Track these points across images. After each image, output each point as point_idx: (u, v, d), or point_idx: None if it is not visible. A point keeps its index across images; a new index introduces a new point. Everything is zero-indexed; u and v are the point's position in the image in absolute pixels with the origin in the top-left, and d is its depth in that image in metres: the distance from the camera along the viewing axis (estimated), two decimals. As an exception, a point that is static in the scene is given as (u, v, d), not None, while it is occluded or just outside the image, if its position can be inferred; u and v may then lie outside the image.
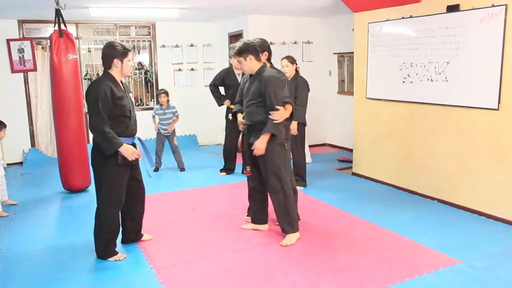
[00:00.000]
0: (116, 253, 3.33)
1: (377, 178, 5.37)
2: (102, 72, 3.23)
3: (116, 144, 3.07)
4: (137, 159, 3.23)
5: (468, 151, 4.22)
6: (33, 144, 6.89)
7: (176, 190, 5.13)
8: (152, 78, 7.69)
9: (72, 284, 2.98)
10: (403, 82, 4.86)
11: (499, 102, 3.88)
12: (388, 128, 5.12)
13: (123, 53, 3.14)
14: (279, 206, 3.52)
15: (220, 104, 5.71)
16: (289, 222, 3.54)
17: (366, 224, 3.95)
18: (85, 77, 7.24)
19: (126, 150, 3.12)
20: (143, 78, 7.74)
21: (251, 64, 3.48)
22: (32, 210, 4.56)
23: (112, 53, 3.12)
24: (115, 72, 3.18)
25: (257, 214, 3.80)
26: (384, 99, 5.15)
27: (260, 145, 3.40)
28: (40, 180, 5.77)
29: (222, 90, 5.84)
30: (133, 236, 3.56)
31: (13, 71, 6.58)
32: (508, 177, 3.89)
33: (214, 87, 5.70)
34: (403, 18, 4.78)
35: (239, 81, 5.48)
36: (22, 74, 6.68)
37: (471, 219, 4.08)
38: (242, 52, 3.45)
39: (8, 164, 6.62)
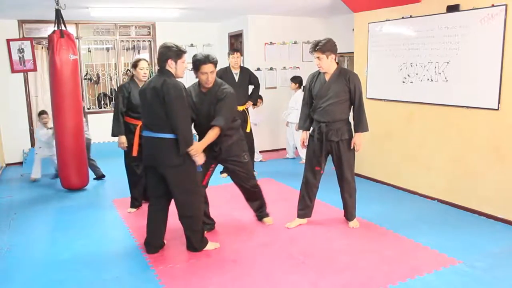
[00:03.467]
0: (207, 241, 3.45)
1: (377, 178, 5.37)
2: (160, 70, 3.18)
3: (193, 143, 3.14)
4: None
5: (468, 151, 4.22)
6: (33, 144, 6.87)
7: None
8: (152, 78, 7.67)
9: (72, 284, 2.98)
10: (403, 82, 4.86)
11: (499, 102, 3.88)
12: (388, 128, 5.12)
13: (178, 54, 3.15)
14: (352, 197, 3.83)
15: None
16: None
17: (366, 224, 3.95)
18: (85, 77, 7.24)
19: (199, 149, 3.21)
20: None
21: (331, 63, 3.59)
22: (32, 210, 4.56)
23: (167, 53, 3.13)
24: (171, 72, 3.18)
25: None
26: (384, 99, 5.15)
27: (362, 142, 3.69)
28: (40, 180, 5.77)
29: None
30: (163, 242, 3.53)
31: (13, 71, 6.58)
32: (508, 177, 3.89)
33: None
34: (403, 18, 4.78)
35: (237, 80, 5.47)
36: (22, 74, 6.68)
37: (471, 219, 4.08)
38: (327, 50, 3.54)
39: (8, 164, 6.65)
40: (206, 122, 3.43)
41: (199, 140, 3.48)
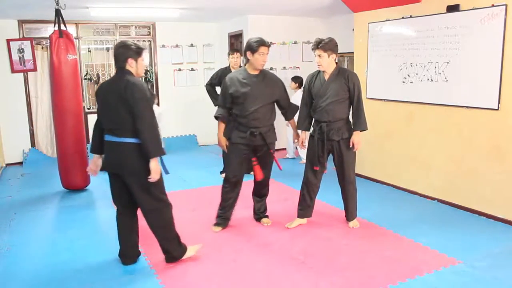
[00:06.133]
0: (186, 246, 3.25)
1: (377, 178, 5.37)
2: (119, 70, 3.00)
3: (163, 151, 2.95)
4: None
5: (468, 151, 4.22)
6: (33, 144, 6.89)
7: (176, 190, 5.13)
8: (152, 78, 7.69)
9: (72, 284, 2.98)
10: (403, 82, 4.86)
11: (499, 102, 3.88)
12: (388, 128, 5.12)
13: (138, 52, 3.01)
14: (353, 197, 3.86)
15: (216, 104, 5.69)
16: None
17: (366, 224, 3.95)
18: (85, 77, 7.24)
19: (157, 165, 2.92)
20: (143, 78, 7.73)
21: (331, 62, 3.61)
22: (32, 210, 4.56)
23: (127, 53, 2.97)
24: (131, 71, 3.01)
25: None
26: (384, 99, 5.15)
27: (360, 140, 3.70)
28: (40, 180, 5.77)
29: (218, 89, 5.81)
30: (138, 250, 3.35)
31: (13, 71, 6.57)
32: (508, 177, 3.89)
33: (210, 86, 5.64)
34: (403, 18, 4.78)
35: None
36: (22, 74, 6.68)
37: (471, 219, 4.08)
38: (329, 48, 3.56)
39: (8, 164, 6.65)
40: (255, 103, 3.61)
41: (241, 123, 3.66)
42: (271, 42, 7.19)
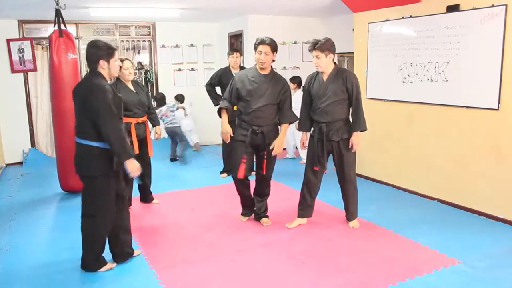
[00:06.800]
0: (106, 262, 3.15)
1: (377, 178, 5.37)
2: (89, 72, 2.95)
3: (131, 151, 2.87)
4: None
5: (468, 151, 4.22)
6: (33, 144, 6.88)
7: (176, 190, 5.13)
8: (152, 78, 7.69)
9: (72, 284, 2.98)
10: (403, 82, 4.86)
11: (499, 102, 3.88)
12: (388, 128, 5.12)
13: (110, 53, 2.90)
14: (353, 197, 3.86)
15: (216, 104, 5.69)
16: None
17: (366, 224, 3.95)
18: (85, 77, 7.24)
19: (134, 164, 2.89)
20: (143, 78, 7.74)
21: (329, 63, 3.61)
22: (32, 210, 4.56)
23: (97, 53, 2.87)
24: (103, 73, 2.93)
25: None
26: (384, 99, 5.15)
27: (360, 141, 3.68)
28: (40, 180, 5.77)
29: (218, 90, 5.81)
30: (130, 249, 3.29)
31: (13, 71, 6.57)
32: (508, 177, 3.89)
33: (210, 86, 5.63)
34: (403, 18, 4.78)
35: None
36: (22, 74, 6.68)
37: (471, 219, 4.08)
38: (326, 49, 3.56)
39: (8, 164, 6.65)
40: (259, 101, 3.64)
41: (244, 120, 3.72)
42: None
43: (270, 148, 3.71)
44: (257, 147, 3.76)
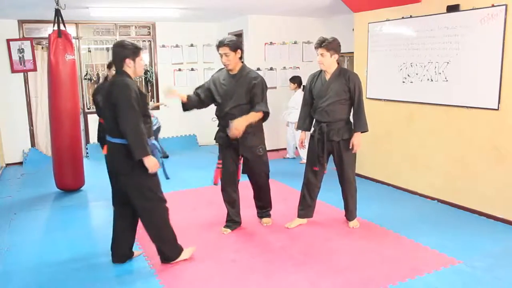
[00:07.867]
0: (182, 248, 3.22)
1: (377, 178, 5.37)
2: (116, 72, 3.03)
3: (148, 148, 2.88)
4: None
5: (468, 151, 4.22)
6: (33, 144, 6.89)
7: (176, 190, 5.13)
8: (152, 78, 7.69)
9: (72, 284, 2.98)
10: (403, 82, 4.86)
11: (499, 102, 3.88)
12: (388, 128, 5.12)
13: (135, 52, 2.98)
14: (353, 197, 3.83)
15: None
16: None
17: (366, 224, 3.95)
18: (85, 77, 7.24)
19: (151, 160, 2.90)
20: (143, 78, 7.73)
21: (332, 62, 3.60)
22: (32, 210, 4.56)
23: (123, 52, 2.95)
24: (128, 72, 3.00)
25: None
26: (384, 99, 5.15)
27: (360, 142, 3.65)
28: (40, 180, 5.77)
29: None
30: (130, 252, 3.30)
31: (13, 71, 6.57)
32: (508, 177, 3.89)
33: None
34: (403, 18, 4.78)
35: None
36: (22, 74, 6.68)
37: (471, 219, 4.08)
38: (332, 48, 3.54)
39: (8, 164, 6.65)
40: (229, 103, 3.56)
41: (220, 123, 3.64)
42: (270, 42, 7.28)
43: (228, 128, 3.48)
44: (237, 151, 3.68)
